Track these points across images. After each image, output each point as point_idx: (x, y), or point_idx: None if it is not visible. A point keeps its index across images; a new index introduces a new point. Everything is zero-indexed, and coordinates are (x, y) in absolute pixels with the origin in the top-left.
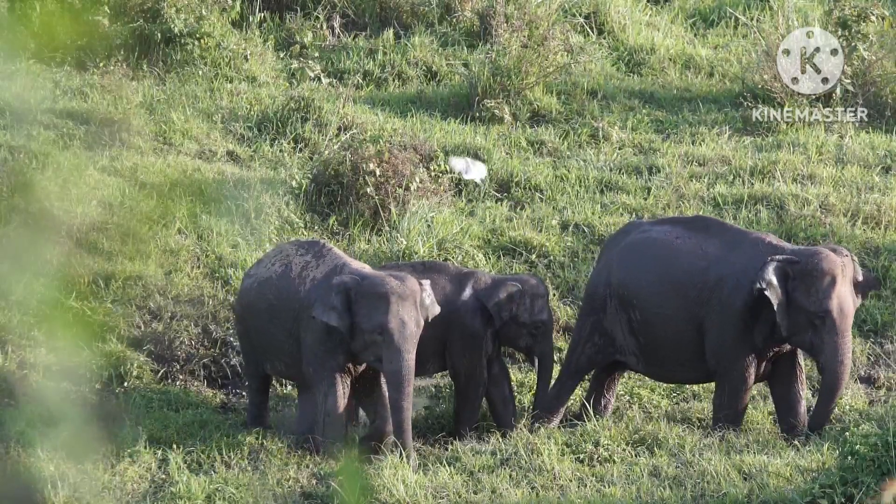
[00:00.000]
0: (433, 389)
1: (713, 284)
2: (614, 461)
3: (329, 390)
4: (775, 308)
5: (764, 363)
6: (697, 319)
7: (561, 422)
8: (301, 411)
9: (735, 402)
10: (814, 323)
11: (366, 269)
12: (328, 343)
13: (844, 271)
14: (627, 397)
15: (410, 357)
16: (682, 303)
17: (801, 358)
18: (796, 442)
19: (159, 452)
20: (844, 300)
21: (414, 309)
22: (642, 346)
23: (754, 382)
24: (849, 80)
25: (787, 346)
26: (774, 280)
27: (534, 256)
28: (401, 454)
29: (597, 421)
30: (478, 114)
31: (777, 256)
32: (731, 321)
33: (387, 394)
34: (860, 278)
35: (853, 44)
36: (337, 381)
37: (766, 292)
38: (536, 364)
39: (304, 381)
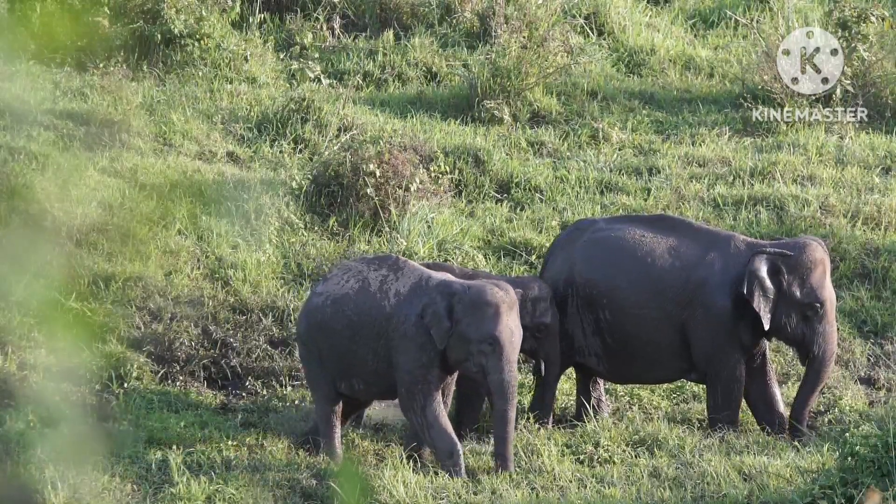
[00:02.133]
0: None
1: (694, 286)
2: (614, 462)
3: (427, 403)
4: (754, 303)
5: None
6: (677, 320)
7: (559, 423)
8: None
9: (730, 402)
10: (806, 314)
11: (451, 277)
12: (422, 359)
13: (828, 260)
14: (627, 398)
15: (516, 367)
16: (660, 302)
17: (769, 353)
18: (796, 443)
19: (159, 453)
20: (831, 290)
21: (517, 318)
22: (608, 346)
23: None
24: (849, 81)
25: (762, 344)
26: (764, 274)
27: (534, 257)
28: (500, 468)
29: (597, 422)
30: (478, 115)
31: (767, 249)
32: (717, 323)
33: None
34: None
35: (853, 44)
36: (434, 394)
37: (751, 287)
38: (542, 366)
39: (399, 399)
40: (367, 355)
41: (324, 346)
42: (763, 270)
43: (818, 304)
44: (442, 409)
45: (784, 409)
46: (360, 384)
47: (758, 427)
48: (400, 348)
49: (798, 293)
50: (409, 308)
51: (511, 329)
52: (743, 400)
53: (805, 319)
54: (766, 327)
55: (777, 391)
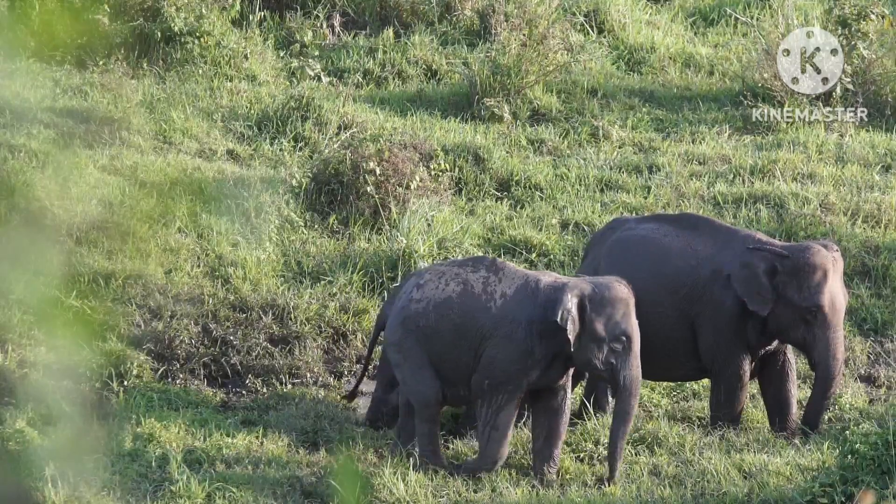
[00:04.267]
0: None
1: (705, 283)
2: None
3: (505, 405)
4: (737, 287)
5: (755, 361)
6: (688, 317)
7: None
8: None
9: (733, 400)
10: (805, 318)
11: (557, 277)
12: (523, 363)
13: (835, 266)
14: None
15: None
16: (673, 300)
17: (792, 356)
18: (796, 441)
19: (159, 451)
20: (836, 295)
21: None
22: None
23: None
24: (849, 79)
25: (776, 344)
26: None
27: (534, 255)
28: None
29: (597, 420)
30: (478, 112)
31: (765, 247)
32: (724, 320)
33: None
34: None
35: (853, 42)
36: (516, 400)
37: (738, 273)
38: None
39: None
40: (470, 358)
41: (424, 351)
42: (760, 268)
43: (815, 309)
44: (514, 419)
45: (796, 415)
46: (463, 389)
47: (757, 425)
48: (500, 346)
49: (795, 296)
50: (517, 311)
51: (636, 325)
52: (748, 399)
53: (805, 323)
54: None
55: (793, 395)
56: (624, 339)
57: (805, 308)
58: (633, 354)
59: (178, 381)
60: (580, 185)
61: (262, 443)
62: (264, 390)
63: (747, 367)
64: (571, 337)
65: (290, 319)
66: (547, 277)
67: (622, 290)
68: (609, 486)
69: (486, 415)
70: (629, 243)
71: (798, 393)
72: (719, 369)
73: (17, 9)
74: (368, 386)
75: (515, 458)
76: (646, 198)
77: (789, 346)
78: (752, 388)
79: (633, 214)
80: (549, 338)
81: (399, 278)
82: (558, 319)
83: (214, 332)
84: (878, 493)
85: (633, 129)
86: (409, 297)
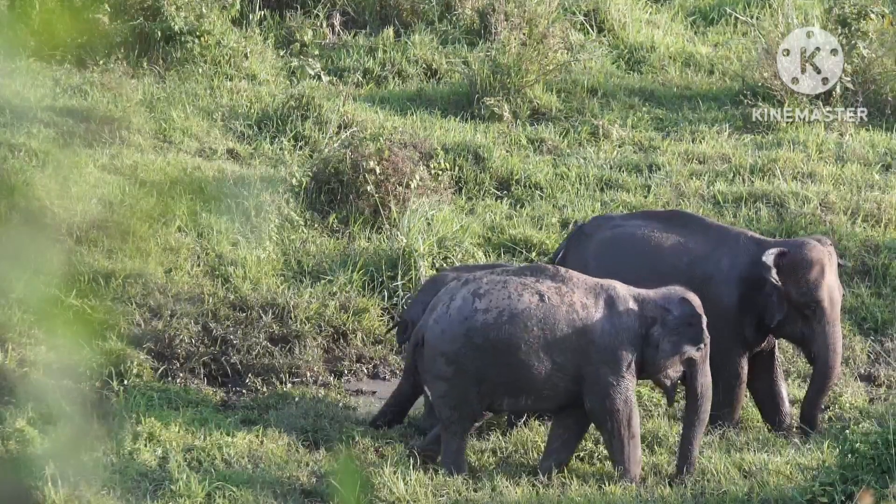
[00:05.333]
0: None
1: (700, 282)
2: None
3: (633, 415)
4: (779, 297)
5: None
6: None
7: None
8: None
9: (731, 398)
10: (804, 314)
11: (621, 286)
12: (626, 372)
13: (831, 260)
14: None
15: None
16: None
17: (778, 352)
18: (796, 440)
19: (159, 450)
20: (833, 289)
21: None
22: None
23: None
24: (849, 78)
25: (770, 342)
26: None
27: (534, 254)
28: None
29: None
30: (478, 112)
31: (772, 250)
32: (721, 318)
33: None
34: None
35: (853, 42)
36: (635, 405)
37: (770, 278)
38: None
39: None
40: (546, 368)
41: (489, 363)
42: (771, 264)
43: (813, 304)
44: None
45: (790, 407)
46: (528, 399)
47: (757, 424)
48: (600, 360)
49: (794, 292)
50: (605, 320)
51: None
52: (748, 397)
53: (804, 319)
54: (772, 324)
55: (784, 389)
56: (702, 346)
57: (803, 303)
58: (706, 362)
59: (178, 381)
60: (580, 184)
61: (262, 442)
62: (264, 389)
63: (745, 364)
64: (676, 342)
65: (290, 319)
66: (619, 286)
67: (698, 304)
68: (678, 482)
69: (618, 431)
70: (619, 241)
71: (798, 392)
72: (717, 368)
73: (17, 8)
74: (369, 385)
75: (515, 457)
76: (646, 197)
77: (777, 343)
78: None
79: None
80: (637, 346)
81: (399, 277)
82: (671, 328)
83: (214, 332)
84: (877, 493)
85: (633, 128)
86: (473, 308)
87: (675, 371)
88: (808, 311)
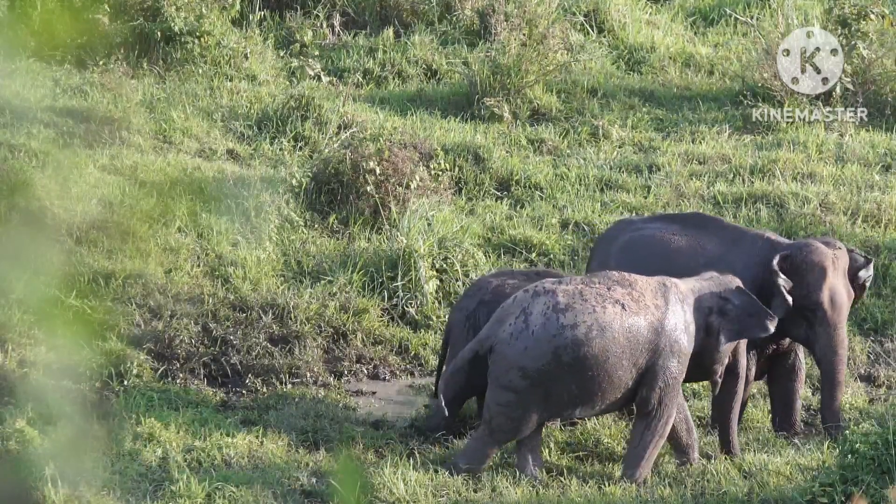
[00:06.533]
0: (432, 388)
1: None
2: (615, 459)
3: (672, 414)
4: (782, 300)
5: (762, 360)
6: None
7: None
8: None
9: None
10: (807, 316)
11: (671, 280)
12: (682, 367)
13: (836, 263)
14: None
15: None
16: None
17: (802, 356)
18: (796, 440)
19: (159, 451)
20: (836, 292)
21: None
22: None
23: (754, 380)
24: (849, 79)
25: (786, 343)
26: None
27: (534, 255)
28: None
29: (597, 419)
30: (478, 112)
31: (781, 252)
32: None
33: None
34: (867, 273)
35: (853, 42)
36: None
37: (778, 281)
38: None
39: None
40: (628, 374)
41: (571, 378)
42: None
43: (814, 306)
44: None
45: (799, 413)
46: (602, 405)
47: (758, 425)
48: (669, 356)
49: (796, 294)
50: (675, 316)
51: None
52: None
53: (807, 321)
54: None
55: (798, 395)
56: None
57: (804, 305)
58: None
59: (178, 381)
60: (580, 184)
61: (262, 443)
62: (264, 390)
63: (752, 365)
64: (733, 334)
65: (290, 319)
66: (677, 280)
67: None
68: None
69: (656, 421)
70: (638, 244)
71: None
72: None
73: (17, 8)
74: (369, 385)
75: (515, 456)
76: (646, 197)
77: (800, 346)
78: (756, 387)
79: (634, 214)
80: (697, 339)
81: (399, 278)
82: (732, 318)
83: (214, 332)
84: (877, 493)
85: (633, 128)
86: (560, 325)
87: (725, 360)
88: (809, 312)
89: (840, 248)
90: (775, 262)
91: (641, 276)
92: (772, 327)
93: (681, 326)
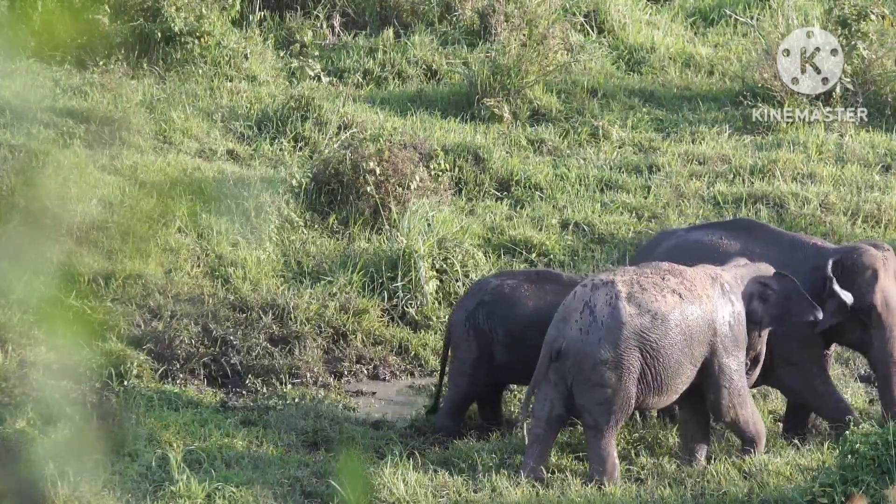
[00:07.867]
0: (432, 388)
1: None
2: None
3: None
4: (840, 301)
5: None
6: None
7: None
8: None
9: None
10: (860, 319)
11: (716, 269)
12: (742, 356)
13: (886, 265)
14: None
15: None
16: None
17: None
18: (796, 441)
19: (159, 451)
20: (889, 294)
21: None
22: None
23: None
24: (849, 79)
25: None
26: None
27: (534, 255)
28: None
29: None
30: (478, 112)
31: (834, 258)
32: (793, 326)
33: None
34: None
35: (853, 42)
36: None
37: (834, 286)
38: None
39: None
40: (688, 364)
41: (646, 365)
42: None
43: (867, 309)
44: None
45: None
46: (670, 395)
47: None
48: (725, 350)
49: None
50: (725, 306)
51: None
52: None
53: (861, 325)
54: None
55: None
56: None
57: (858, 309)
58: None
59: (177, 381)
60: (580, 184)
61: (262, 443)
62: (264, 390)
63: (823, 364)
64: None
65: (290, 319)
66: (726, 274)
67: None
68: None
69: (736, 412)
70: (685, 250)
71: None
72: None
73: (17, 9)
74: (369, 386)
75: (515, 457)
76: (646, 198)
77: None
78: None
79: (634, 214)
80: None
81: (399, 278)
82: (771, 304)
83: (214, 332)
84: (877, 493)
85: (633, 128)
86: (627, 313)
87: (758, 347)
88: (863, 316)
89: (889, 251)
90: (829, 266)
91: (687, 267)
92: (818, 313)
93: (731, 318)
